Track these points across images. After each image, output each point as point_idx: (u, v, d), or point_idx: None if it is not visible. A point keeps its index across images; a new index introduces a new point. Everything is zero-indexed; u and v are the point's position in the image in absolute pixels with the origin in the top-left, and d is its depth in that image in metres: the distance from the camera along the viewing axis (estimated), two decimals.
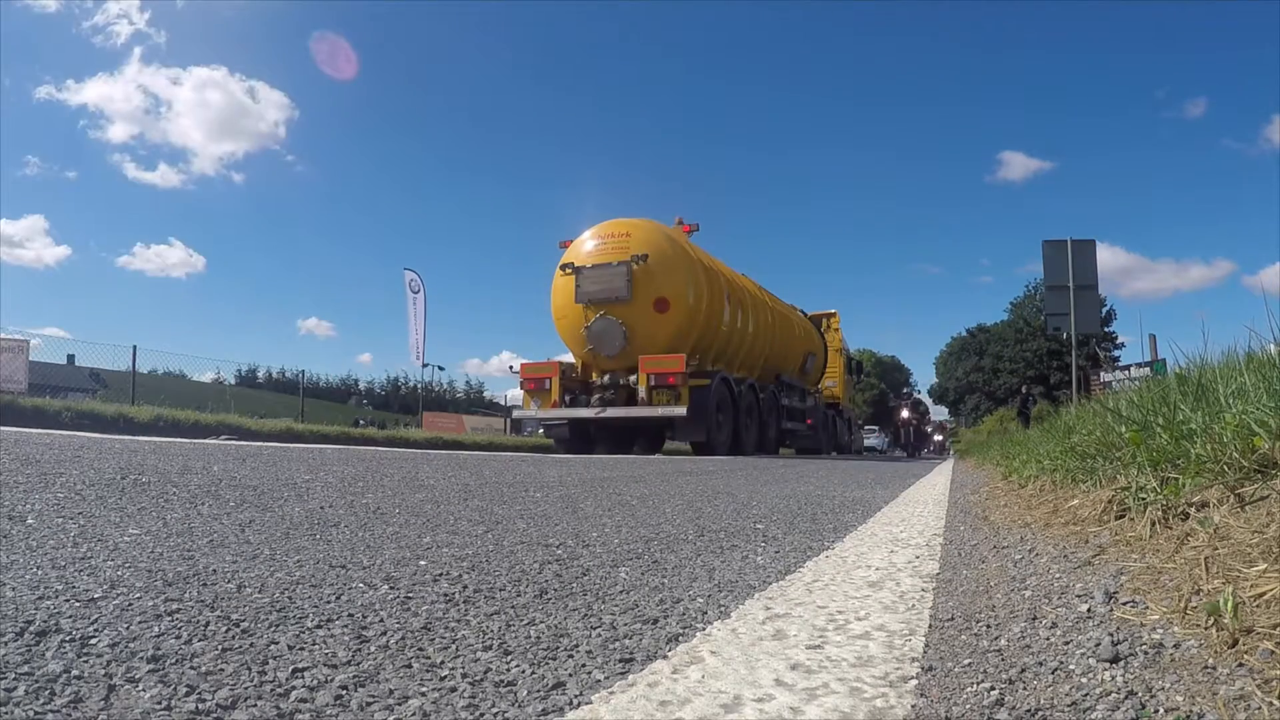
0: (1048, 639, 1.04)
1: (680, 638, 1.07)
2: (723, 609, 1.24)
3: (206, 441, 6.62)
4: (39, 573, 1.23)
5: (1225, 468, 1.47)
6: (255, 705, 0.77)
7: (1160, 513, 1.49)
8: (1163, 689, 0.81)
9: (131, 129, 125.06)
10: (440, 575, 1.39)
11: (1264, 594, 0.93)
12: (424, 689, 0.84)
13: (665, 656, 0.98)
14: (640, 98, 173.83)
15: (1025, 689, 0.87)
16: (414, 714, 0.78)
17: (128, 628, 0.97)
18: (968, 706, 0.83)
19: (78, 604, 1.06)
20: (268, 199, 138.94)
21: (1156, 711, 0.77)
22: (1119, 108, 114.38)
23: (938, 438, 31.24)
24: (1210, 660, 0.85)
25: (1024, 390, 24.91)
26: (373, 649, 0.96)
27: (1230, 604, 0.89)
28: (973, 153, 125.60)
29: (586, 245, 11.37)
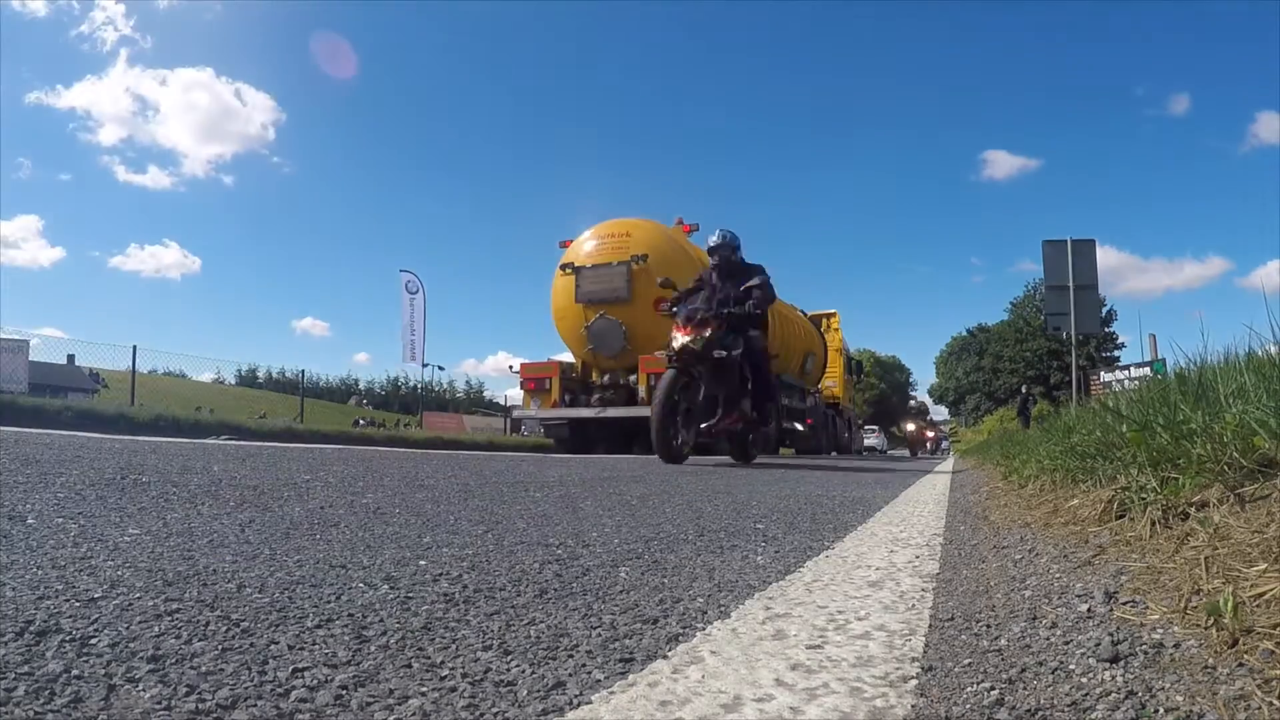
0: (1048, 639, 1.04)
1: (680, 637, 1.07)
2: (723, 609, 1.24)
3: (206, 441, 6.62)
4: (39, 573, 1.23)
5: (1225, 468, 1.47)
6: (255, 705, 0.77)
7: (1160, 513, 1.49)
8: (1163, 689, 0.81)
9: (121, 132, 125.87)
10: (440, 575, 1.39)
11: (1264, 594, 0.93)
12: (424, 689, 0.84)
13: (665, 656, 0.98)
14: (639, 97, 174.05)
15: (1025, 689, 0.87)
16: (414, 714, 0.78)
17: (128, 628, 0.97)
18: (968, 706, 0.83)
19: (78, 604, 1.06)
20: (259, 201, 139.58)
21: (1156, 711, 0.77)
22: (1100, 105, 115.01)
23: (930, 434, 32.25)
24: (1210, 660, 0.85)
25: (1024, 390, 24.99)
26: (373, 649, 0.96)
27: (1230, 604, 0.89)
28: (957, 152, 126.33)
29: (586, 245, 11.38)
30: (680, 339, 5.54)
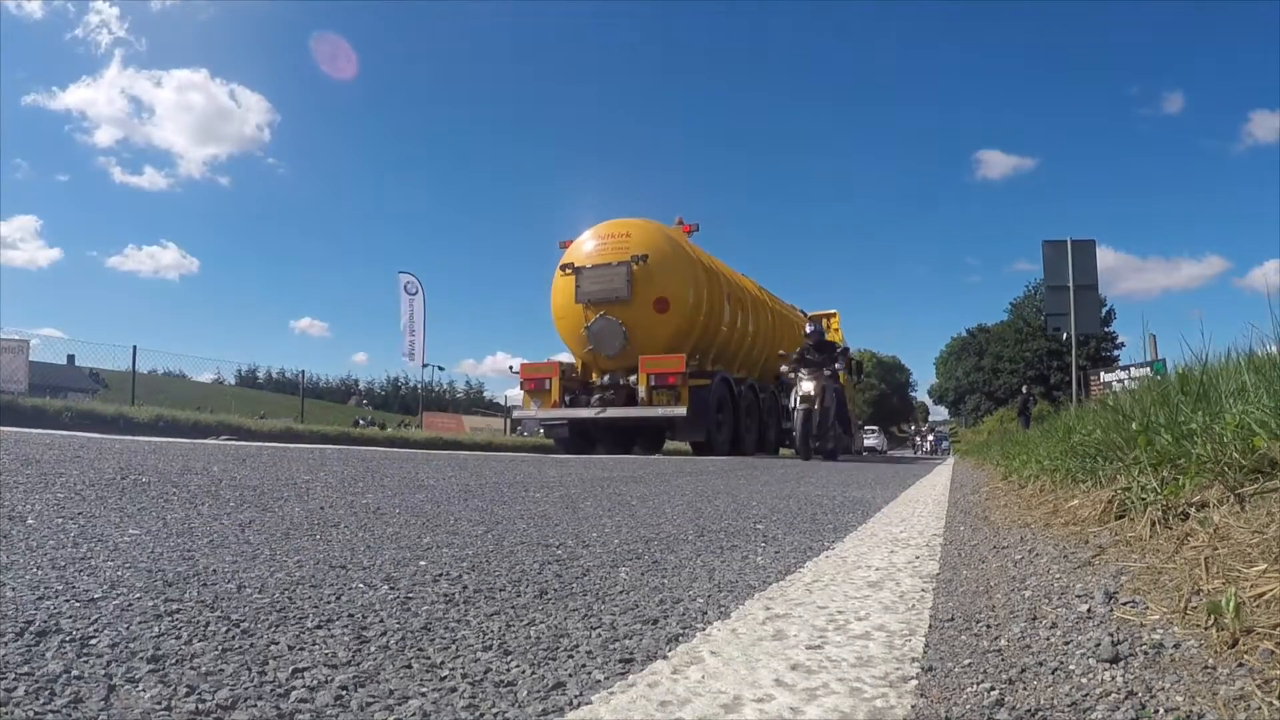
0: (1048, 639, 1.04)
1: (680, 638, 1.07)
2: (723, 609, 1.24)
3: (206, 441, 6.62)
4: (39, 573, 1.23)
5: (1225, 468, 1.47)
6: (255, 705, 0.77)
7: (1160, 513, 1.49)
8: (1163, 689, 0.81)
9: (116, 133, 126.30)
10: (440, 575, 1.39)
11: (1264, 594, 0.93)
12: (424, 689, 0.84)
13: (665, 657, 0.98)
14: (638, 99, 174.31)
15: (1025, 689, 0.87)
16: (414, 714, 0.78)
17: (128, 628, 0.97)
18: (968, 706, 0.83)
19: (78, 604, 1.06)
20: (256, 202, 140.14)
21: (1156, 711, 0.77)
22: (1093, 104, 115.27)
23: (931, 435, 33.01)
24: (1210, 660, 0.85)
25: (1024, 390, 24.94)
26: (373, 649, 0.96)
27: (1230, 604, 0.89)
28: (951, 152, 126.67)
29: (586, 245, 11.37)
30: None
